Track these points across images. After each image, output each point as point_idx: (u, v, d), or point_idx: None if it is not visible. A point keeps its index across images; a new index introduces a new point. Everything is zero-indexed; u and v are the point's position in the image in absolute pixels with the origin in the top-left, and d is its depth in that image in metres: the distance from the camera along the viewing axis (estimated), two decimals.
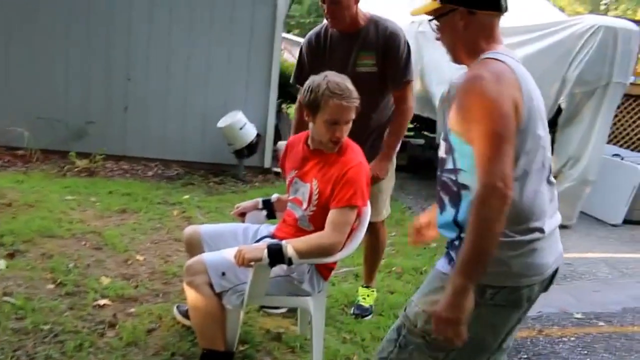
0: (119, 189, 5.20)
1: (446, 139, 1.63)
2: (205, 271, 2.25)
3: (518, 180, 1.49)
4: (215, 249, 2.44)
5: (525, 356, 3.07)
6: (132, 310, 2.98)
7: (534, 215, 1.54)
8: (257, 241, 2.47)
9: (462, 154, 1.54)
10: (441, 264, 1.64)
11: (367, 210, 2.47)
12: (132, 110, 6.20)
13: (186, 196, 5.20)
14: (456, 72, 5.30)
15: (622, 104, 7.53)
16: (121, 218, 4.46)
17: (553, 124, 5.65)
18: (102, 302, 3.02)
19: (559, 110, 5.42)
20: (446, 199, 1.62)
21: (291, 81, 3.12)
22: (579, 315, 3.64)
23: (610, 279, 4.40)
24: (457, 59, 1.71)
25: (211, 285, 2.24)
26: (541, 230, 1.55)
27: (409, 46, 2.93)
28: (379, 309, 3.27)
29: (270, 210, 2.75)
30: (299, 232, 2.40)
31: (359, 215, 2.38)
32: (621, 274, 4.51)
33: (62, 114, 6.02)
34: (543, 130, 1.57)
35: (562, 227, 5.74)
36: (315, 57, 2.94)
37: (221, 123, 5.86)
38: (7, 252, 3.51)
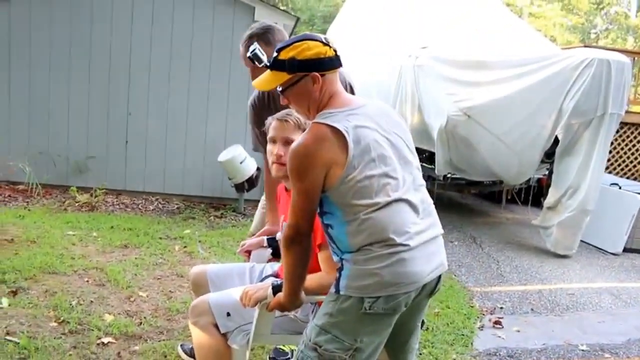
0: (120, 223, 5.20)
1: None
2: (209, 312, 2.26)
3: (375, 209, 1.74)
4: (222, 289, 2.45)
5: None
6: (136, 348, 2.96)
7: (395, 233, 1.75)
8: (262, 280, 2.47)
9: (324, 200, 1.81)
10: (333, 284, 1.85)
11: None
12: (133, 144, 6.25)
13: (187, 230, 5.21)
14: (453, 105, 5.42)
15: (618, 131, 7.63)
16: (123, 253, 4.45)
17: (551, 155, 5.72)
18: (106, 340, 3.00)
19: (557, 141, 5.49)
20: (327, 238, 1.91)
21: (252, 149, 3.14)
22: (584, 347, 3.62)
23: (614, 309, 4.38)
24: (309, 117, 1.91)
25: (216, 326, 2.25)
26: (404, 245, 1.75)
27: None
28: None
29: (275, 248, 2.71)
30: None
31: None
32: (625, 304, 4.50)
33: (63, 149, 6.07)
34: (383, 167, 1.78)
35: (563, 256, 5.75)
36: (262, 118, 2.77)
37: (221, 157, 5.89)
38: (9, 290, 3.49)
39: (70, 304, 3.38)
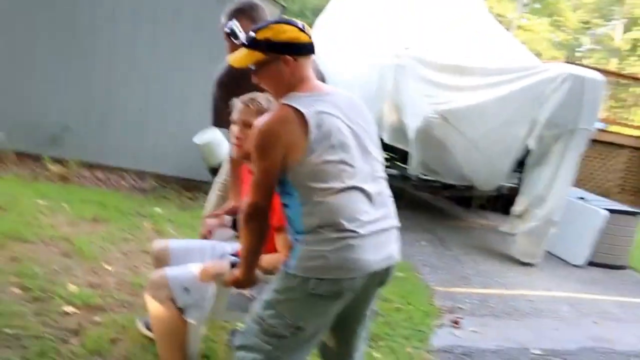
0: (91, 197, 5.18)
1: None
2: (168, 285, 2.29)
3: (328, 194, 1.81)
4: (183, 264, 2.47)
5: None
6: (98, 319, 2.98)
7: (345, 219, 1.82)
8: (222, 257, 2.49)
9: (283, 180, 1.88)
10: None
11: None
12: (110, 120, 6.20)
13: (158, 209, 5.20)
14: (431, 107, 5.50)
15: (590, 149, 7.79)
16: (92, 226, 4.44)
17: (521, 164, 5.84)
18: (68, 309, 3.01)
19: (528, 151, 5.61)
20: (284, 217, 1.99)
21: (212, 124, 3.13)
22: (537, 352, 3.73)
23: (569, 318, 4.51)
24: (277, 98, 1.98)
25: (173, 300, 2.28)
26: (352, 231, 1.82)
27: None
28: None
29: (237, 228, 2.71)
30: None
31: None
32: (581, 314, 4.64)
33: (39, 118, 6.00)
34: (342, 154, 1.85)
35: (527, 264, 5.88)
36: (232, 96, 2.75)
37: (197, 139, 5.87)
38: None
39: (35, 272, 3.37)
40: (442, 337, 3.68)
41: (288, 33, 1.91)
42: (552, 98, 5.21)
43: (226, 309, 2.36)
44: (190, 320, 2.30)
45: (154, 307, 2.31)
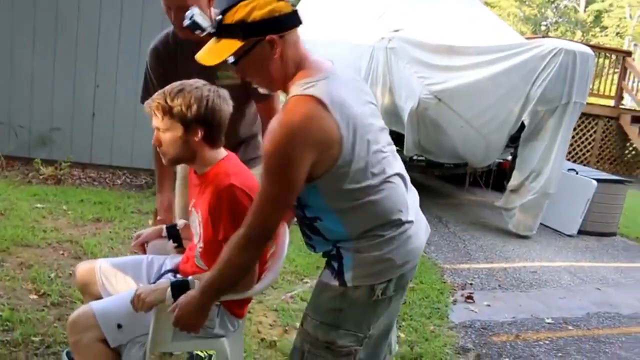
0: (89, 197, 5.09)
1: None
2: (96, 325, 1.86)
3: (375, 190, 1.57)
4: (114, 286, 2.13)
5: (507, 359, 3.23)
6: None
7: (399, 211, 1.62)
8: (160, 277, 2.10)
9: (305, 192, 1.57)
10: (326, 276, 1.65)
11: (284, 233, 2.12)
12: (100, 117, 6.08)
13: None
14: (424, 88, 5.53)
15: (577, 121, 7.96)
16: (96, 227, 4.38)
17: (515, 139, 5.94)
18: None
19: (522, 126, 5.71)
20: (307, 230, 1.71)
21: (141, 101, 2.57)
22: (549, 320, 3.85)
23: (572, 286, 4.65)
24: (274, 88, 1.66)
25: (105, 341, 1.87)
26: (409, 222, 1.64)
27: None
28: None
29: (178, 238, 2.29)
30: (198, 269, 2.02)
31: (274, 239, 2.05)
32: (581, 281, 4.78)
33: (26, 120, 5.85)
34: (374, 142, 1.59)
35: (524, 237, 6.02)
36: (166, 70, 2.52)
37: None
38: None
39: (49, 277, 3.33)
40: (459, 313, 3.76)
41: (265, 8, 1.51)
42: (545, 73, 5.28)
43: (172, 340, 1.96)
44: None
45: (82, 355, 1.88)
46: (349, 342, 1.62)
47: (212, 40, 1.58)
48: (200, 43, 1.83)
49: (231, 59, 1.56)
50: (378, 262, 1.59)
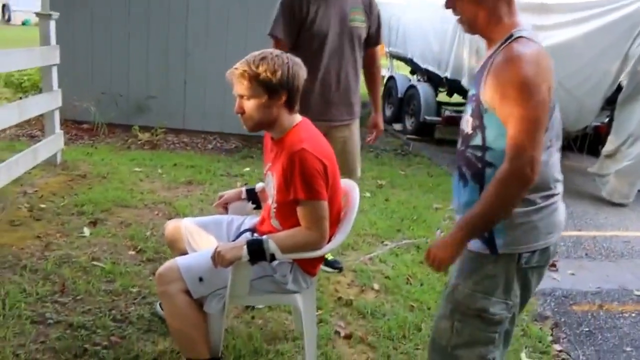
0: (182, 161, 5.42)
1: (476, 115, 1.63)
2: (180, 278, 2.02)
3: (545, 152, 1.56)
4: (198, 243, 2.30)
5: (587, 329, 3.15)
6: None
7: (555, 181, 1.64)
8: (239, 236, 2.26)
9: (494, 133, 1.57)
10: (476, 245, 1.66)
11: (354, 197, 2.25)
12: (191, 85, 6.38)
13: (247, 168, 5.39)
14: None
15: None
16: (188, 189, 4.67)
17: (612, 102, 5.59)
18: None
19: (619, 88, 5.35)
20: (468, 174, 1.67)
21: (272, 32, 3.15)
22: (638, 293, 3.68)
23: None
24: (475, 30, 1.66)
25: (188, 292, 2.03)
26: (558, 193, 1.66)
27: None
28: (443, 280, 3.38)
29: (256, 200, 2.47)
30: (273, 229, 2.15)
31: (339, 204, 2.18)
32: None
33: (125, 89, 6.26)
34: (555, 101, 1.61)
35: (618, 205, 5.68)
36: (305, 13, 3.00)
37: None
38: (89, 221, 3.76)
39: (145, 235, 3.61)
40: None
41: None
42: None
43: (248, 294, 2.11)
44: (210, 312, 2.07)
45: (168, 304, 2.06)
46: (500, 309, 1.67)
47: None
48: None
49: None
50: (526, 231, 1.61)
